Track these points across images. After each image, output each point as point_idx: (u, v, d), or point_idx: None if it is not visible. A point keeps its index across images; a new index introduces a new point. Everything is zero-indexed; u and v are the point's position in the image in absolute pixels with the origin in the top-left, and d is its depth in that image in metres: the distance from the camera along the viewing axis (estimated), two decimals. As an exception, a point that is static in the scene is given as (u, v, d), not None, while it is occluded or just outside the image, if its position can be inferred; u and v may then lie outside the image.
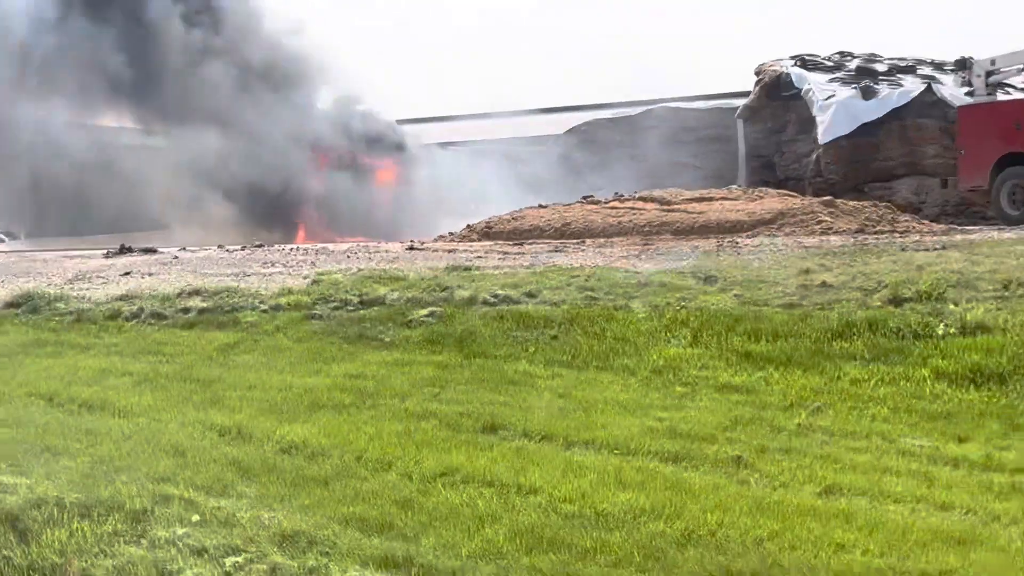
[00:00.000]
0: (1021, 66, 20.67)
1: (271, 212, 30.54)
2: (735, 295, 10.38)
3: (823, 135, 23.52)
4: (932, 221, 18.94)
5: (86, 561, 5.15)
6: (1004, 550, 4.76)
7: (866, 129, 23.22)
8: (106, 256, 17.51)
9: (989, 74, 20.42)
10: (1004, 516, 5.21)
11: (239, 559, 5.03)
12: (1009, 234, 14.25)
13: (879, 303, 9.54)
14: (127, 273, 14.67)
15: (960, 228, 16.87)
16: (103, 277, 14.40)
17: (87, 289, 13.42)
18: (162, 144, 34.49)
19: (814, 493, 5.69)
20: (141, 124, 33.81)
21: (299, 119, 32.06)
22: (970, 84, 21.22)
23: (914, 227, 17.28)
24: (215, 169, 29.97)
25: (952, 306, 9.14)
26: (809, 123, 24.29)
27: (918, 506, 5.44)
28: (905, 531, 5.03)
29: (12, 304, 12.50)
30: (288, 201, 30.63)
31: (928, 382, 7.68)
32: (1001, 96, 20.99)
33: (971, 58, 21.49)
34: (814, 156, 24.05)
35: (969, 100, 21.01)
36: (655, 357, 8.82)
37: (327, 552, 5.00)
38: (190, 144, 31.75)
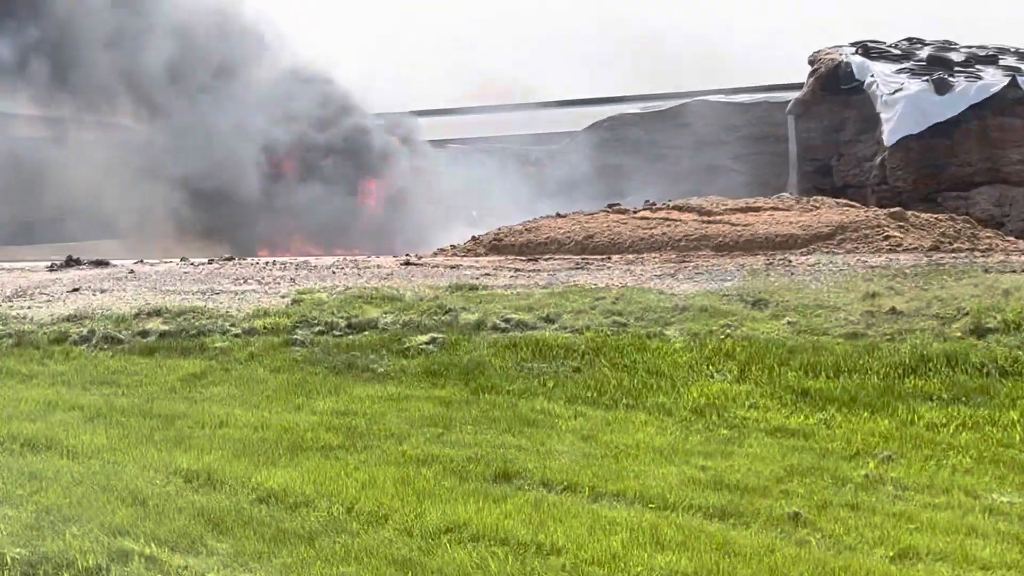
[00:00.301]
0: None
1: (231, 220, 30.43)
2: (789, 322, 10.33)
3: (889, 135, 23.64)
4: (1018, 237, 18.98)
5: None
6: None
7: (939, 129, 23.31)
8: (50, 269, 17.56)
9: None
10: None
11: None
12: None
13: (959, 334, 9.49)
14: (75, 289, 14.70)
15: None
16: (47, 294, 14.38)
17: (29, 308, 13.39)
18: (88, 137, 34.56)
19: (886, 557, 5.58)
20: (44, 110, 33.67)
21: (249, 109, 32.17)
22: None
23: (998, 244, 17.36)
24: (154, 167, 30.05)
25: None
26: (873, 121, 24.44)
27: (1009, 574, 5.33)
28: None
29: None
30: (247, 207, 30.57)
31: (1018, 427, 7.63)
32: None
33: None
34: (878, 160, 24.17)
35: None
36: (695, 394, 8.77)
37: None
38: (122, 136, 32.05)
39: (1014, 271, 12.29)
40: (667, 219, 20.96)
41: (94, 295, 13.94)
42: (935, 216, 19.78)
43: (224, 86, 32.69)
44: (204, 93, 31.77)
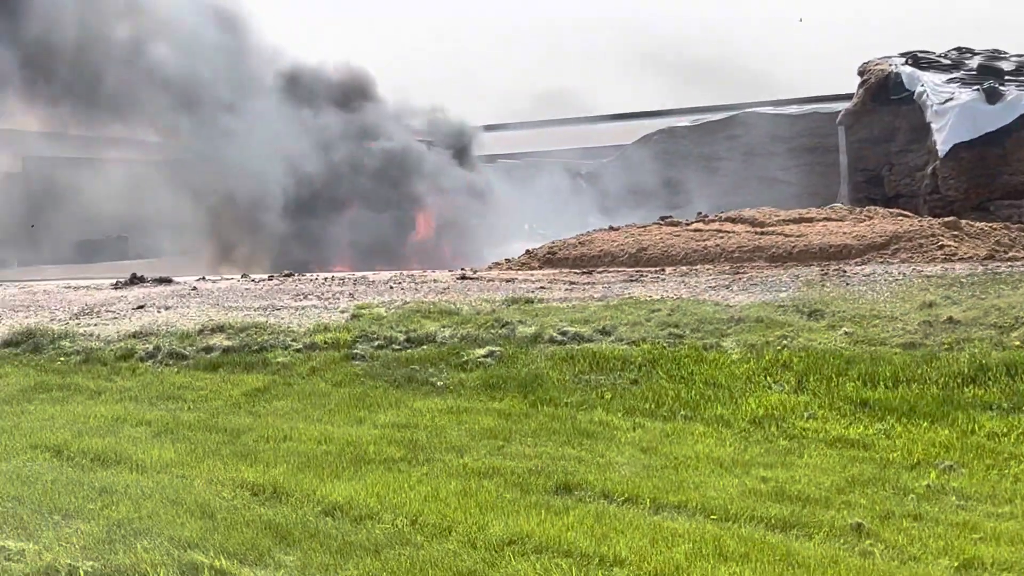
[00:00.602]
0: None
1: (287, 237, 30.41)
2: (845, 332, 10.32)
3: (942, 144, 23.66)
4: None
5: None
6: None
7: (991, 138, 23.38)
8: (115, 287, 17.73)
9: None
10: None
11: None
12: None
13: (1018, 343, 9.49)
14: (140, 307, 14.82)
15: None
16: (113, 311, 14.53)
17: (95, 325, 13.52)
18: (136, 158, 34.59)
19: (951, 568, 5.56)
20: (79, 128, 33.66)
21: (305, 127, 31.97)
22: None
23: None
24: (205, 187, 29.98)
25: None
26: (923, 131, 24.51)
27: None
28: None
29: (11, 343, 12.70)
30: (304, 225, 30.59)
31: None
32: None
33: None
34: (930, 169, 24.22)
35: None
36: (753, 405, 8.80)
37: None
38: (173, 156, 32.08)
39: None
40: (720, 231, 20.98)
41: (159, 312, 14.05)
42: (989, 225, 19.81)
43: (277, 102, 32.61)
44: (259, 103, 31.69)
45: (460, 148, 35.65)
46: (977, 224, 19.96)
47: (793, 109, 36.34)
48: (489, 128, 41.20)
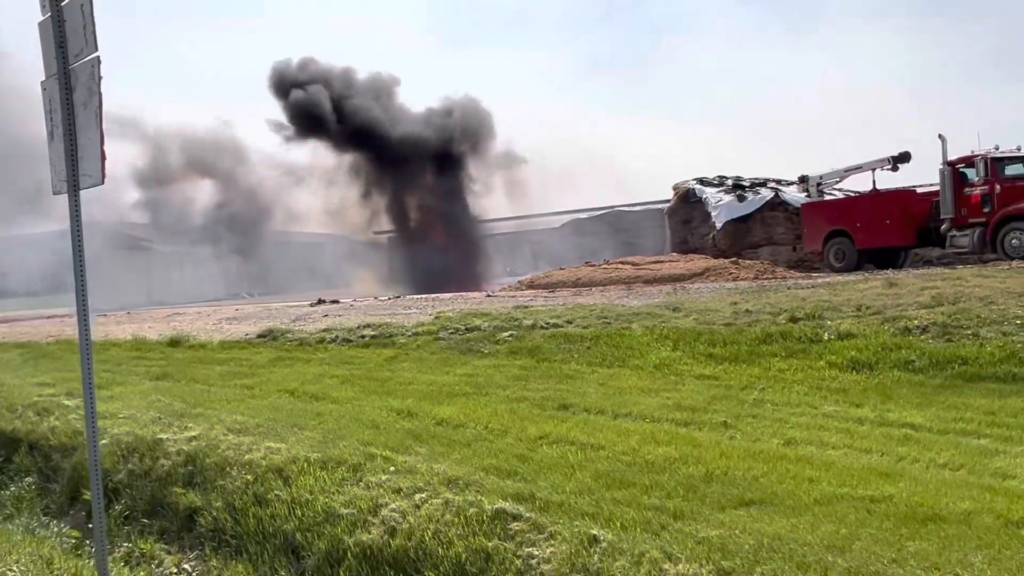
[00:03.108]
0: (837, 179, 23.08)
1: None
2: (695, 319, 10.49)
3: (717, 222, 26.08)
4: (786, 270, 20.58)
5: (326, 497, 5.29)
6: (917, 479, 4.63)
7: (741, 219, 25.83)
8: (311, 305, 18.24)
9: (818, 185, 23.13)
10: (907, 456, 5.11)
11: (423, 495, 5.04)
12: (848, 277, 14.81)
13: (784, 321, 9.68)
14: (325, 315, 15.17)
15: (811, 275, 17.64)
16: (311, 318, 14.89)
17: (303, 325, 13.94)
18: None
19: (780, 444, 5.56)
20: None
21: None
22: (807, 191, 23.43)
23: (784, 275, 18.35)
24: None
25: (829, 322, 9.36)
26: (707, 216, 26.80)
27: (848, 451, 5.31)
28: (848, 469, 4.86)
29: (261, 335, 13.21)
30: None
31: (825, 370, 7.80)
32: (827, 197, 23.48)
33: (808, 175, 23.70)
34: (711, 235, 26.31)
35: (806, 199, 23.31)
36: (653, 358, 8.85)
37: (478, 490, 4.92)
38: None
39: (803, 288, 12.68)
40: (617, 267, 22.02)
41: (335, 318, 14.44)
42: (751, 262, 21.41)
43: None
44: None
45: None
46: (746, 261, 21.34)
47: (639, 208, 39.20)
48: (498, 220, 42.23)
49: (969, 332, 8.27)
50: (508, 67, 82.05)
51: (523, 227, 42.09)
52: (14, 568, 4.83)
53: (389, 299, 18.58)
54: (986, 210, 17.84)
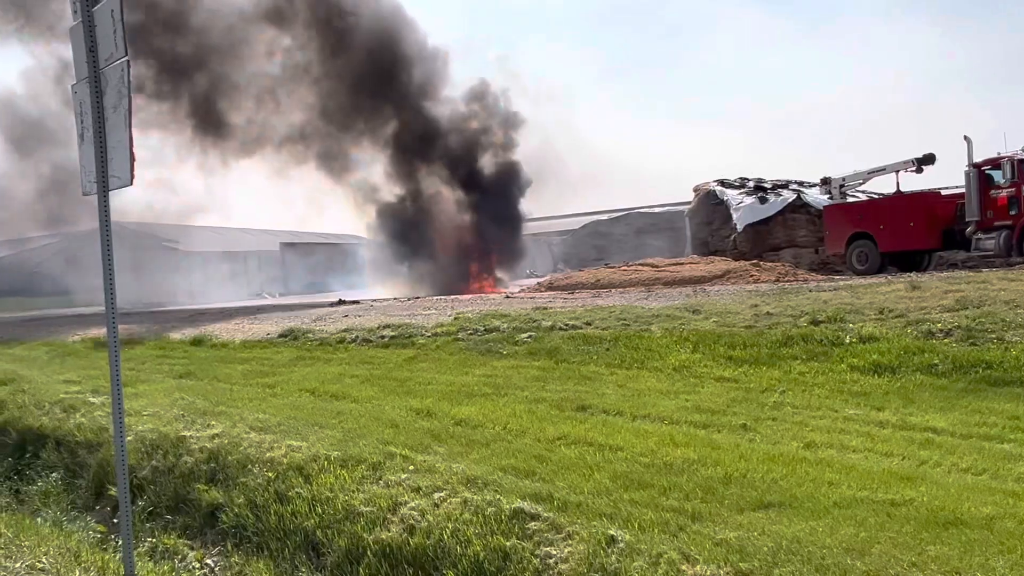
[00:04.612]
0: (860, 181, 22.83)
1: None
2: (714, 321, 10.42)
3: (738, 225, 25.97)
4: (807, 272, 20.61)
5: (346, 495, 5.34)
6: (939, 484, 4.60)
7: (762, 221, 25.71)
8: (331, 305, 18.40)
9: (841, 186, 22.88)
10: (929, 460, 5.07)
11: (442, 494, 5.07)
12: (871, 280, 14.52)
13: (805, 323, 9.58)
14: (346, 315, 15.23)
15: (833, 278, 17.49)
16: (332, 318, 14.96)
17: (324, 325, 14.01)
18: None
19: (800, 447, 5.51)
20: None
21: None
22: (830, 193, 23.18)
23: (807, 277, 18.27)
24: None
25: (851, 325, 9.26)
26: (728, 218, 26.66)
27: (869, 454, 5.26)
28: (869, 472, 4.82)
29: (283, 335, 13.36)
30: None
31: (847, 373, 7.72)
32: (850, 199, 23.19)
33: (830, 176, 23.45)
34: (732, 237, 26.24)
35: (829, 201, 23.00)
36: (673, 360, 8.80)
37: (497, 490, 4.93)
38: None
39: (825, 291, 12.53)
40: (636, 269, 22.07)
41: (355, 318, 14.54)
42: (772, 264, 21.44)
43: None
44: None
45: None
46: (767, 263, 21.38)
47: (658, 209, 39.06)
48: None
49: (994, 336, 8.18)
50: (525, 66, 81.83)
51: (543, 228, 41.95)
52: (43, 560, 4.93)
53: (409, 300, 18.62)
54: (1012, 212, 17.58)
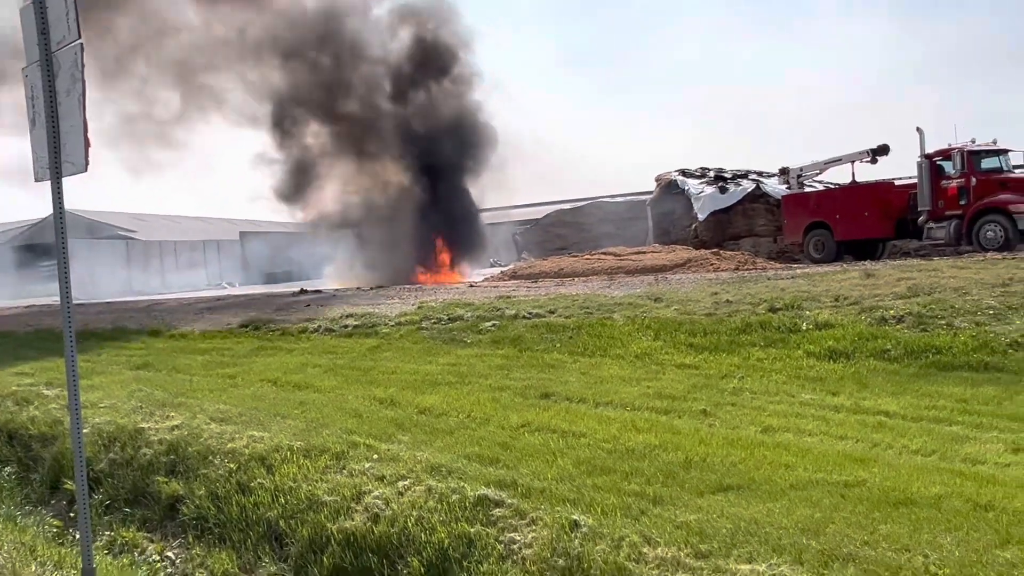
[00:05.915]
0: (817, 172, 23.04)
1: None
2: (675, 309, 10.48)
3: (700, 214, 26.08)
4: (766, 261, 20.74)
5: (309, 485, 5.34)
6: (890, 465, 4.69)
7: (723, 211, 25.82)
8: (293, 295, 18.08)
9: (799, 176, 23.07)
10: (881, 443, 5.17)
11: (406, 483, 5.08)
12: (827, 268, 14.77)
13: (763, 311, 9.70)
14: (308, 305, 15.08)
15: (791, 266, 17.66)
16: (294, 308, 14.75)
17: (285, 315, 13.79)
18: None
19: (758, 431, 5.59)
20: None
21: None
22: (788, 183, 23.39)
23: (765, 266, 18.45)
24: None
25: (808, 312, 9.41)
26: (689, 207, 26.78)
27: (824, 438, 5.36)
28: (824, 455, 4.91)
29: (244, 325, 13.15)
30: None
31: (803, 359, 7.83)
32: (807, 189, 23.41)
33: (788, 167, 23.66)
34: (693, 226, 26.33)
35: (787, 191, 23.27)
36: (635, 348, 8.83)
37: (461, 478, 4.95)
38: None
39: (783, 279, 12.64)
40: (600, 258, 22.25)
41: (319, 308, 14.37)
42: (732, 252, 21.56)
43: None
44: None
45: None
46: (727, 252, 21.50)
47: (620, 198, 39.27)
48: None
49: (943, 322, 8.39)
50: (485, 57, 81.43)
51: (504, 218, 41.93)
52: (-3, 556, 4.81)
53: (372, 289, 18.42)
54: (962, 202, 18.09)
